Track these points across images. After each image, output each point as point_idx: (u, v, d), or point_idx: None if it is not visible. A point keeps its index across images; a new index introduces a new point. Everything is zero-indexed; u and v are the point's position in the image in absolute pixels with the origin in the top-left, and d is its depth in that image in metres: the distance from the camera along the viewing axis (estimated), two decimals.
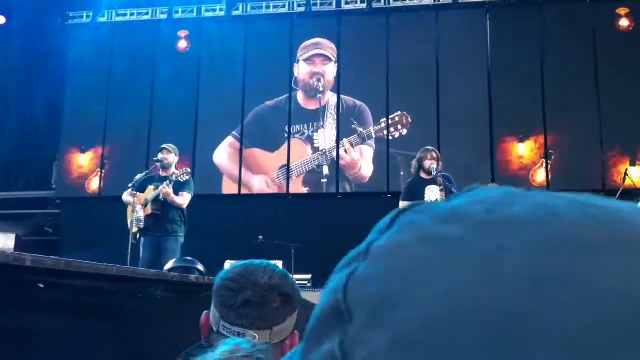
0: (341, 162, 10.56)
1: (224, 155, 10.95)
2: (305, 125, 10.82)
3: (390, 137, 10.41)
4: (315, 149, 10.70)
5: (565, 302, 0.28)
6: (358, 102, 10.73)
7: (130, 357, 1.90)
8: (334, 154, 10.59)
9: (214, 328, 1.54)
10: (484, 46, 10.35)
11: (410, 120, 10.36)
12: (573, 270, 0.29)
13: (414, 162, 7.05)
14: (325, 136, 10.76)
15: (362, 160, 10.58)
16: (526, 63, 10.13)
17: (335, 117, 10.75)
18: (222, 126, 10.91)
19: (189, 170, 7.03)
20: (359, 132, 10.63)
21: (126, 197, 7.01)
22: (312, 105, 10.91)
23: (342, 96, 10.77)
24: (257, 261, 1.62)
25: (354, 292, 0.34)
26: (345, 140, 10.64)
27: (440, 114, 10.16)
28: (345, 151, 10.63)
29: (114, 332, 1.53)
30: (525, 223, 0.32)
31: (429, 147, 7.10)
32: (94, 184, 11.13)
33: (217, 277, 1.58)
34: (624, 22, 10.05)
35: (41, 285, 1.48)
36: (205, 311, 1.57)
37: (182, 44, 11.28)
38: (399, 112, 10.45)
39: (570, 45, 10.03)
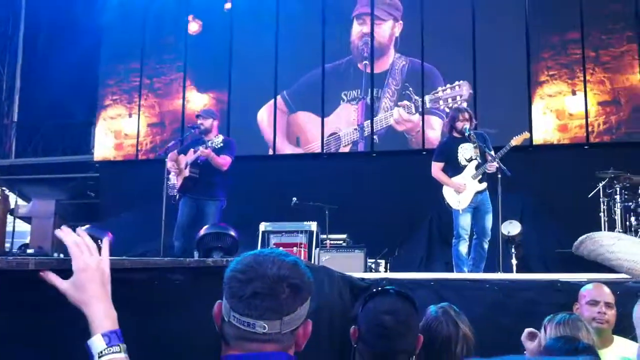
0: (399, 128, 10.23)
1: (266, 115, 10.78)
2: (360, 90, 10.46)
3: (447, 109, 9.72)
4: (367, 116, 10.33)
5: None
6: (427, 65, 10.23)
7: (152, 345, 1.91)
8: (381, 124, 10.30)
9: (225, 318, 1.54)
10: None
11: (471, 92, 9.83)
12: None
13: (446, 122, 6.95)
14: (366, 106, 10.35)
15: (431, 131, 10.04)
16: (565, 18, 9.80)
17: (397, 81, 10.30)
18: (268, 88, 10.79)
19: (222, 136, 7.04)
20: (414, 100, 10.16)
21: (168, 163, 7.06)
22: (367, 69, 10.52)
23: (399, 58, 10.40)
24: (267, 250, 1.62)
25: None
26: (397, 109, 10.22)
27: (477, 71, 9.92)
28: (397, 122, 10.21)
29: (133, 321, 1.53)
30: None
31: (461, 107, 7.00)
32: (131, 147, 11.25)
33: (228, 268, 1.58)
34: None
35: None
36: (219, 301, 1.58)
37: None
38: (460, 81, 9.92)
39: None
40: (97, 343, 1.37)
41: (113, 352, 1.36)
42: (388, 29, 10.58)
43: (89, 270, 1.45)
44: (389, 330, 2.24)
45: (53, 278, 1.44)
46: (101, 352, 1.36)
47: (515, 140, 6.60)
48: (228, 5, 11.18)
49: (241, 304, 1.50)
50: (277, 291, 1.50)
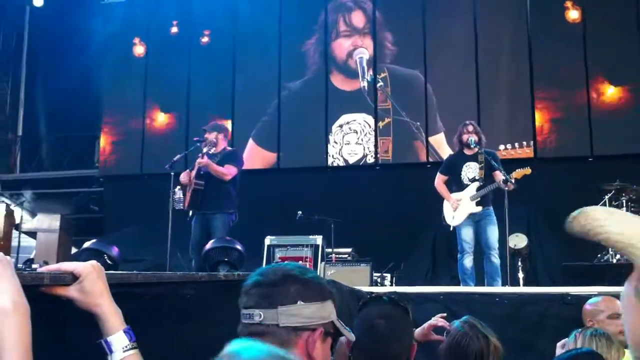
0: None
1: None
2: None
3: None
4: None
5: None
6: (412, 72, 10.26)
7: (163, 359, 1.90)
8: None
9: None
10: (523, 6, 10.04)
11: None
12: None
13: (455, 139, 7.01)
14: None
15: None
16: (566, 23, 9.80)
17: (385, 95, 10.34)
18: (260, 106, 10.87)
19: (224, 147, 7.05)
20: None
21: (183, 180, 7.03)
22: (349, 87, 10.58)
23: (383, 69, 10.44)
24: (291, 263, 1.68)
25: None
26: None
27: (480, 81, 9.91)
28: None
29: (145, 335, 1.52)
30: None
31: (466, 121, 7.01)
32: (135, 162, 11.23)
33: None
34: None
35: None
36: None
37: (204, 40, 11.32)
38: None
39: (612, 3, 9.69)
40: (119, 340, 1.44)
41: (134, 347, 1.44)
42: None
43: (93, 272, 1.45)
44: (383, 335, 2.25)
45: (56, 289, 1.44)
46: (126, 346, 1.43)
47: (516, 174, 6.57)
48: (175, 29, 11.34)
49: (243, 296, 1.57)
50: (275, 281, 1.55)
